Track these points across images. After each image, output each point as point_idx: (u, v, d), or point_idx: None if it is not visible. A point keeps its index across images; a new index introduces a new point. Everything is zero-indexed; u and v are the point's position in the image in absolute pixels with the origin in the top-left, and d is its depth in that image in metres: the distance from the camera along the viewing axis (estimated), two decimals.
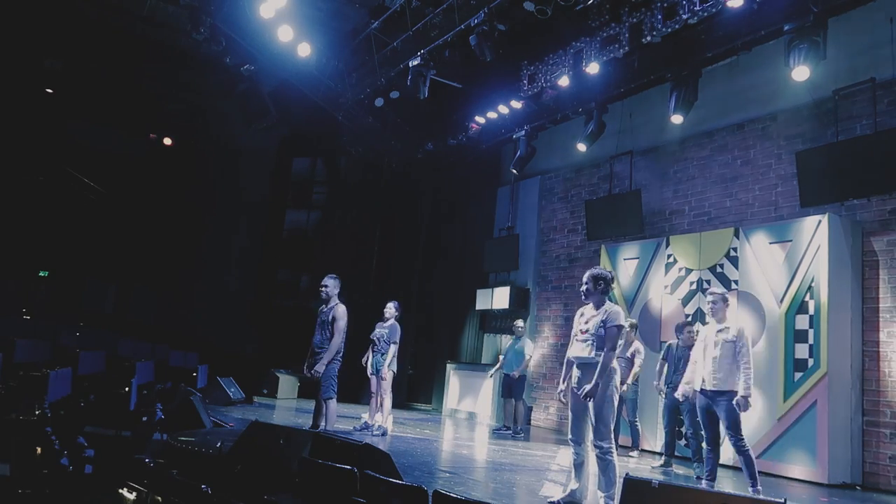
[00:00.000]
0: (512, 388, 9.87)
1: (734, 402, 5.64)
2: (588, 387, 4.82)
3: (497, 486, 5.83)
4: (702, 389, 5.92)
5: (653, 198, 10.43)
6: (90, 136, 16.65)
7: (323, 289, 7.32)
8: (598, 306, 5.04)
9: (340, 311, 7.21)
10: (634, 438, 8.34)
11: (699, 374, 5.96)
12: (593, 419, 4.90)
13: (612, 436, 4.95)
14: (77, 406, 6.88)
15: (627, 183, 10.72)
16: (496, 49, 9.30)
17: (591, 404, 4.90)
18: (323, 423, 7.13)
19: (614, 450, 4.92)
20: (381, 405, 8.41)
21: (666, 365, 7.65)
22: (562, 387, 5.16)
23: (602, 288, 5.05)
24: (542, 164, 12.32)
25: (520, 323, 10.17)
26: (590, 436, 5.01)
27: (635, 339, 8.27)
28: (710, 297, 6.03)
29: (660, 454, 7.96)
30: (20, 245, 15.64)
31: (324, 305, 7.33)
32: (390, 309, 8.63)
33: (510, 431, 9.88)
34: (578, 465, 5.05)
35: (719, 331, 5.88)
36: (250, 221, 17.21)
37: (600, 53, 9.27)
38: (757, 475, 5.68)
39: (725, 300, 5.98)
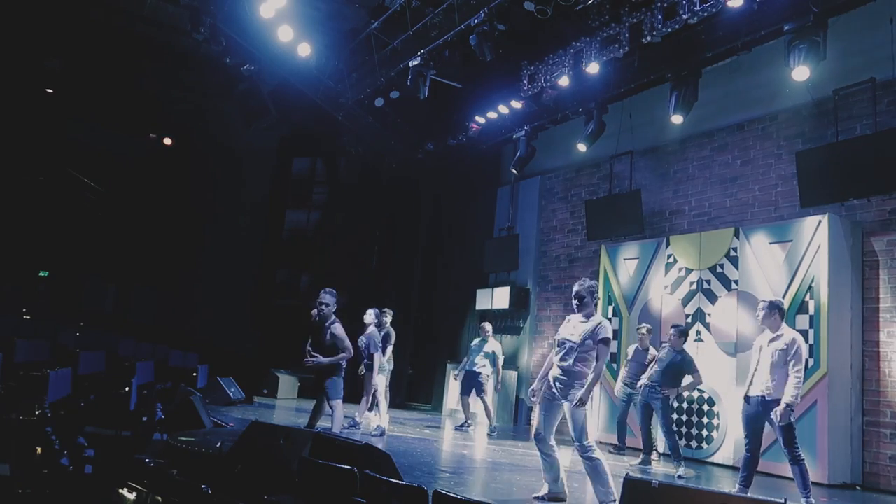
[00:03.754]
0: (474, 385, 9.79)
1: (773, 412, 5.50)
2: (581, 393, 5.01)
3: (497, 486, 5.83)
4: (748, 396, 5.80)
5: (653, 198, 10.43)
6: (90, 136, 16.65)
7: (323, 307, 6.81)
8: (588, 316, 5.26)
9: (339, 331, 6.93)
10: (673, 451, 7.30)
11: (756, 381, 5.79)
12: (570, 423, 5.05)
13: (590, 434, 5.10)
14: (77, 406, 6.87)
15: (627, 183, 10.72)
16: (496, 49, 9.30)
17: (567, 409, 5.08)
18: (329, 426, 7.06)
19: (595, 447, 5.03)
20: (378, 406, 8.41)
21: (632, 365, 8.15)
22: (534, 386, 5.36)
23: (596, 298, 5.36)
24: (542, 164, 12.32)
25: (487, 326, 10.21)
26: (551, 437, 5.23)
27: (650, 346, 8.26)
28: (760, 305, 5.86)
29: (657, 454, 7.98)
30: (20, 245, 15.64)
31: (318, 317, 6.93)
32: (369, 315, 8.56)
33: (471, 427, 9.95)
34: (549, 460, 5.20)
35: (773, 339, 5.72)
36: (250, 221, 17.21)
37: (600, 53, 9.26)
38: (810, 485, 5.53)
39: (775, 308, 5.78)
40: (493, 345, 10.03)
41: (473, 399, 10.00)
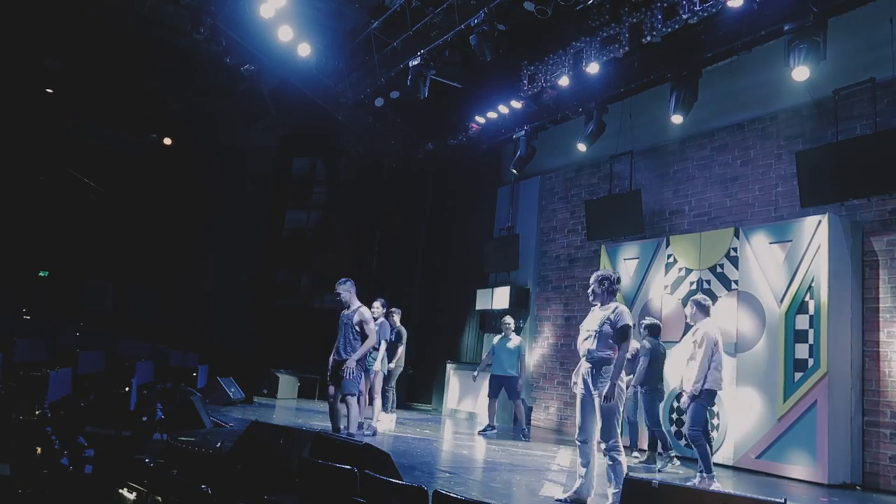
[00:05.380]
0: (508, 389, 9.40)
1: (684, 398, 6.27)
2: (605, 389, 4.95)
3: (497, 486, 5.83)
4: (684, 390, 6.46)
5: (653, 198, 10.43)
6: (90, 135, 16.65)
7: (338, 297, 7.16)
8: (604, 304, 5.24)
9: (367, 314, 7.11)
10: (649, 443, 7.69)
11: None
12: (598, 418, 4.96)
13: (618, 435, 4.99)
14: (77, 406, 6.88)
15: (627, 183, 10.72)
16: (496, 49, 9.30)
17: (597, 403, 4.99)
18: (344, 425, 6.94)
19: (621, 448, 4.97)
20: (371, 404, 8.39)
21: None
22: (574, 378, 5.35)
23: (606, 287, 5.24)
24: (542, 164, 12.32)
25: (508, 319, 9.75)
26: (596, 436, 5.07)
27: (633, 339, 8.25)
28: (689, 306, 6.57)
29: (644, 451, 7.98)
30: (20, 245, 15.64)
31: (345, 310, 7.16)
32: (377, 308, 8.60)
33: (495, 430, 9.54)
34: (585, 465, 5.10)
35: (692, 334, 6.44)
36: (250, 221, 17.20)
37: (600, 53, 9.26)
38: (712, 466, 6.19)
39: (698, 305, 6.49)
40: (517, 340, 9.57)
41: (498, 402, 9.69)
